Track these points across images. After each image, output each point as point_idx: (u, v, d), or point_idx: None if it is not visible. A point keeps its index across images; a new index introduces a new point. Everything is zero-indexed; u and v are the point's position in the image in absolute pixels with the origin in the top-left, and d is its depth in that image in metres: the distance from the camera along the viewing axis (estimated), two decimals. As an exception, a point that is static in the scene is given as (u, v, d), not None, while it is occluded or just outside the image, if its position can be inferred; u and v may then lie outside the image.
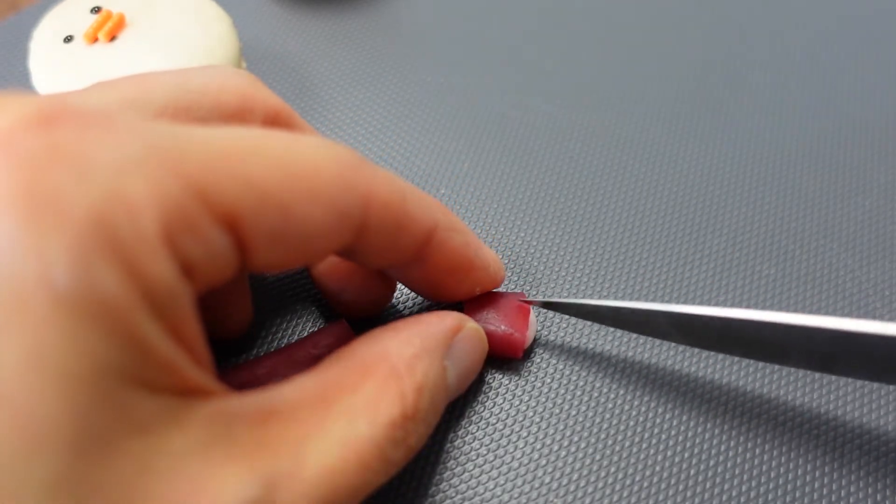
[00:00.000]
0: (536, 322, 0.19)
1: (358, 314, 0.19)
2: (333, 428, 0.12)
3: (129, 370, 0.10)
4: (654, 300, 0.21)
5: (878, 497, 0.18)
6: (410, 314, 0.20)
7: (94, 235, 0.09)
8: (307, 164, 0.12)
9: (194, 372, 0.11)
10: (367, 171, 0.13)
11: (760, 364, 0.20)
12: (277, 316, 0.20)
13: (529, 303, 0.19)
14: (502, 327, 0.18)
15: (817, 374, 0.20)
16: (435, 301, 0.18)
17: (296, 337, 0.20)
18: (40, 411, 0.09)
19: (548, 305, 0.19)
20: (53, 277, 0.09)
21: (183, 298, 0.11)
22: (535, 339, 0.20)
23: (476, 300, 0.18)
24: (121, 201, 0.10)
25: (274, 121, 0.15)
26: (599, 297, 0.21)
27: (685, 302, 0.21)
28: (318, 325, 0.20)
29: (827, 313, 0.21)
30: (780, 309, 0.21)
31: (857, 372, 0.15)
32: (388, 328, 0.15)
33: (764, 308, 0.21)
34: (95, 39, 0.22)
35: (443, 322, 0.16)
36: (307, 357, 0.17)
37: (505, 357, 0.19)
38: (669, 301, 0.21)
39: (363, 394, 0.13)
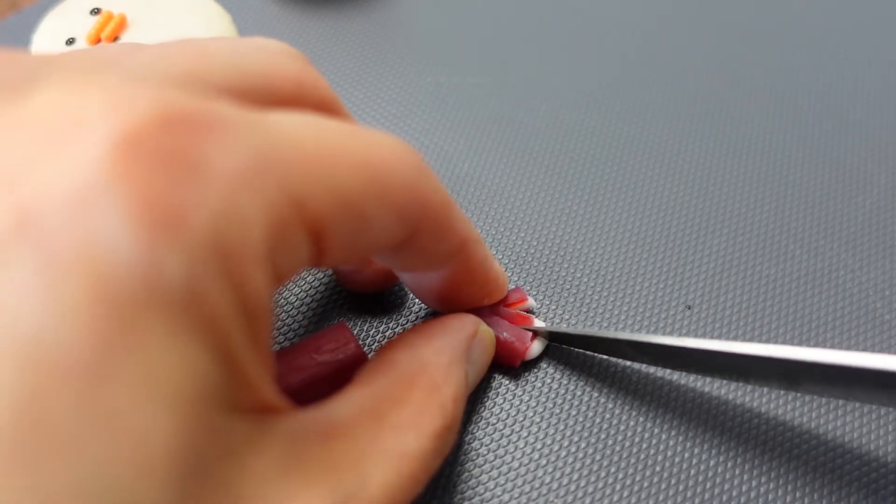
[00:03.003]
0: (543, 342, 0.19)
1: (364, 290, 0.20)
2: (387, 443, 0.12)
3: (225, 391, 0.10)
4: (653, 300, 0.21)
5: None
6: (414, 297, 0.20)
7: (209, 250, 0.09)
8: (384, 167, 0.12)
9: (269, 389, 0.11)
10: (426, 176, 0.13)
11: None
12: (275, 310, 0.20)
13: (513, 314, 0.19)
14: (504, 334, 0.18)
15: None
16: (440, 310, 0.18)
17: (295, 335, 0.20)
18: (151, 436, 0.09)
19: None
20: (169, 294, 0.09)
21: (269, 311, 0.11)
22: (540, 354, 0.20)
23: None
24: (235, 214, 0.10)
25: (323, 109, 0.15)
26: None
27: (683, 302, 0.21)
28: (315, 317, 0.20)
29: (827, 313, 0.21)
30: (779, 308, 0.21)
31: (823, 392, 0.15)
32: (419, 334, 0.15)
33: (764, 307, 0.21)
34: (98, 41, 0.22)
35: (464, 327, 0.16)
36: (312, 363, 0.17)
37: (503, 364, 0.19)
38: (666, 303, 0.21)
39: (409, 407, 0.13)
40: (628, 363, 0.19)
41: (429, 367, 0.14)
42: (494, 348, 0.18)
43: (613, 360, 0.20)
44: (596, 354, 0.19)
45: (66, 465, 0.08)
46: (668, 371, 0.19)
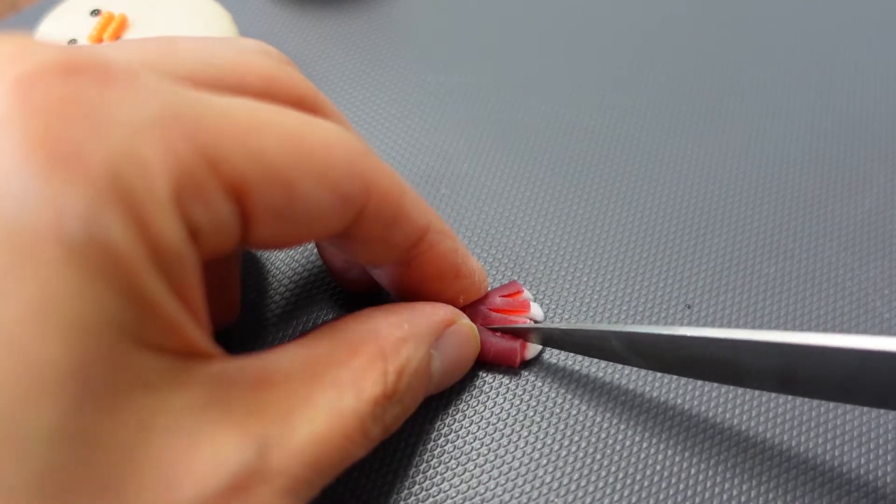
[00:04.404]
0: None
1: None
2: (322, 399, 0.13)
3: (133, 326, 0.10)
4: (653, 300, 0.21)
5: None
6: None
7: (108, 190, 0.09)
8: (317, 144, 0.12)
9: (196, 333, 0.11)
10: (372, 161, 0.14)
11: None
12: (273, 309, 0.20)
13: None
14: (500, 339, 0.18)
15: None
16: None
17: (297, 332, 0.20)
18: (44, 360, 0.09)
19: (502, 331, 0.18)
20: (66, 228, 0.09)
21: (188, 261, 0.11)
22: (539, 353, 0.20)
23: (480, 304, 0.18)
24: (135, 159, 0.10)
25: (298, 106, 0.15)
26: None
27: (683, 301, 0.21)
28: (315, 317, 0.20)
29: (827, 312, 0.21)
30: (779, 307, 0.21)
31: (819, 391, 0.14)
32: (380, 308, 0.16)
33: (763, 306, 0.21)
34: (100, 41, 0.22)
35: (435, 312, 0.16)
36: None
37: (502, 365, 0.19)
38: (666, 303, 0.21)
39: (351, 369, 0.13)
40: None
41: (379, 336, 0.14)
42: (478, 345, 0.18)
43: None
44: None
45: None
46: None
